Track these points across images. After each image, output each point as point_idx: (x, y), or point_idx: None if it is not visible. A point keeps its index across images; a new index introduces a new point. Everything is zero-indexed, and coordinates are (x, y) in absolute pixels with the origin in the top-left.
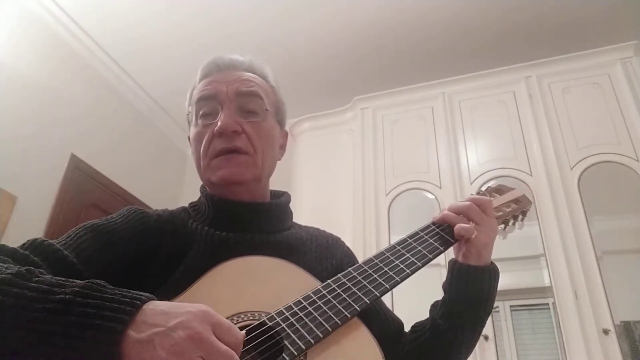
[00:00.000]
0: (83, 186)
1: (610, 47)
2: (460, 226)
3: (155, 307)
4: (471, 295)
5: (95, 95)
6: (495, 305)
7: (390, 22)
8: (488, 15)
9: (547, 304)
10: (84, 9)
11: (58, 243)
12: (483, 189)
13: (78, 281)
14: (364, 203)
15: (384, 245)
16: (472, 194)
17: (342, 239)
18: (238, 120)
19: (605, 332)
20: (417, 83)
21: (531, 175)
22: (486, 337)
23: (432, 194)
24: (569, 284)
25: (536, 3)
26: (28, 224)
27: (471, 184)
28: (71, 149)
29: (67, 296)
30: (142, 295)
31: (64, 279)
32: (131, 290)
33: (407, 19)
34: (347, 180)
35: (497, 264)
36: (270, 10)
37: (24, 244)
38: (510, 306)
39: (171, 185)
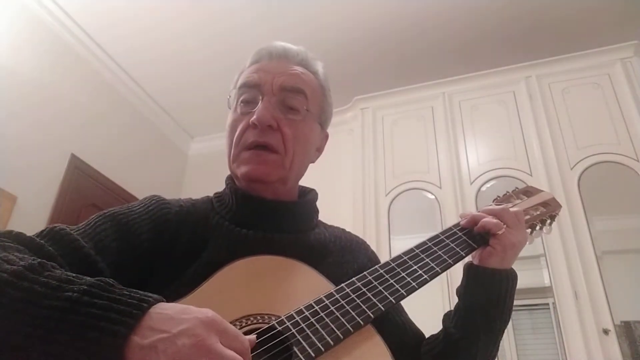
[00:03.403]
0: (83, 186)
1: (610, 47)
2: (489, 220)
3: (162, 311)
4: (487, 301)
5: (95, 95)
6: None
7: (389, 23)
8: (488, 15)
9: (547, 304)
10: (82, 7)
11: (76, 231)
12: (510, 190)
13: (87, 278)
14: (364, 203)
15: (384, 245)
16: (498, 196)
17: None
18: (276, 115)
19: (605, 332)
20: (417, 83)
21: (531, 175)
22: None
23: (432, 194)
24: (569, 284)
25: (536, 3)
26: (28, 224)
27: (471, 184)
28: (71, 149)
29: (75, 294)
30: (149, 297)
31: (73, 275)
32: (139, 291)
33: (406, 19)
34: (347, 180)
35: None
36: (267, 7)
37: (42, 232)
38: None
39: (171, 185)
